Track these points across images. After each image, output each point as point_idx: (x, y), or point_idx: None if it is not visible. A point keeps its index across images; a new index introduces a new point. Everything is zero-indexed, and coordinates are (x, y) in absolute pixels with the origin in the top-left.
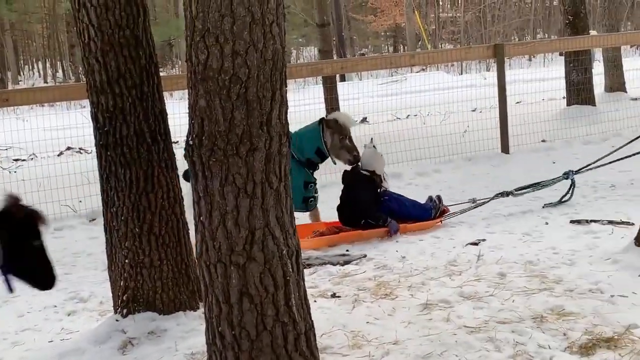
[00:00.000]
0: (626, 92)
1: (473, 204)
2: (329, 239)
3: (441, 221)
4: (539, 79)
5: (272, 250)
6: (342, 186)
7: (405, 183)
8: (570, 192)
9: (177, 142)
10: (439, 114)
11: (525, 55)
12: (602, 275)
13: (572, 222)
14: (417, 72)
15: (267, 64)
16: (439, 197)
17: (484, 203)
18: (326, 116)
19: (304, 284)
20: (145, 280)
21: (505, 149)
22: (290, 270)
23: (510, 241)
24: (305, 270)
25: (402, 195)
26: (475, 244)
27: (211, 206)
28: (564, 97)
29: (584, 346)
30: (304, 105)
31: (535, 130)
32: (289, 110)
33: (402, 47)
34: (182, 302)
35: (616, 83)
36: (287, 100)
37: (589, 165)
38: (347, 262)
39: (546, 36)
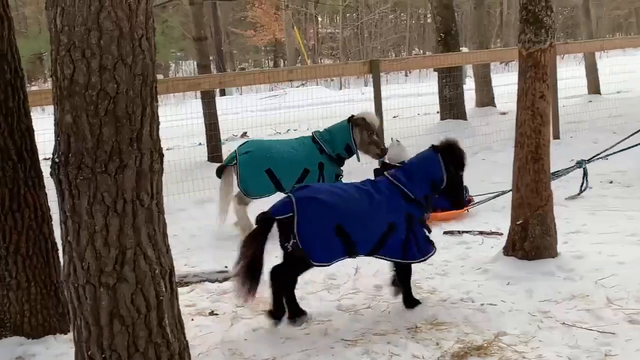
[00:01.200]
0: (495, 106)
1: (493, 195)
2: None
3: (467, 209)
4: (415, 94)
5: (144, 270)
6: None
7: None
8: (586, 180)
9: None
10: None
11: (400, 70)
12: (473, 285)
13: (445, 233)
14: (297, 86)
15: (137, 79)
16: (465, 187)
17: (504, 193)
18: (354, 115)
19: (178, 304)
20: (12, 303)
21: None
22: (164, 289)
23: None
24: (182, 288)
25: None
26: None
27: (79, 226)
28: (438, 112)
29: (455, 355)
30: (182, 120)
31: (411, 145)
32: (168, 126)
33: (282, 62)
34: (52, 325)
35: (486, 98)
36: (158, 116)
37: (599, 154)
38: (226, 279)
39: (421, 52)
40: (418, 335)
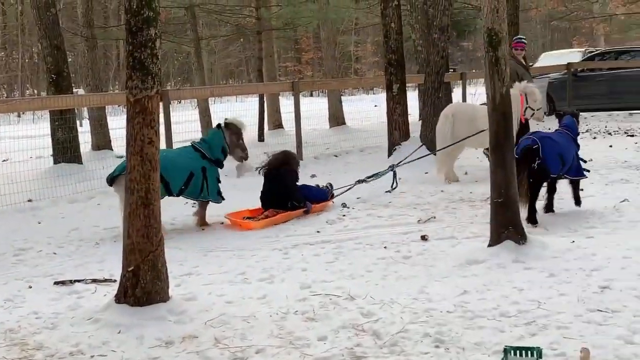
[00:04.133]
0: (112, 149)
1: (352, 185)
2: (273, 220)
3: (332, 202)
4: (28, 136)
5: None
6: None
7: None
8: (395, 180)
9: None
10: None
11: (8, 112)
12: (84, 336)
13: (56, 283)
14: None
15: None
16: (330, 185)
17: (349, 188)
18: (224, 120)
19: None
20: None
21: None
22: None
23: None
24: None
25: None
26: None
27: None
28: (51, 155)
29: None
30: None
31: (21, 190)
32: None
33: None
34: None
35: (102, 141)
36: None
37: (406, 158)
38: None
39: (35, 92)
40: None
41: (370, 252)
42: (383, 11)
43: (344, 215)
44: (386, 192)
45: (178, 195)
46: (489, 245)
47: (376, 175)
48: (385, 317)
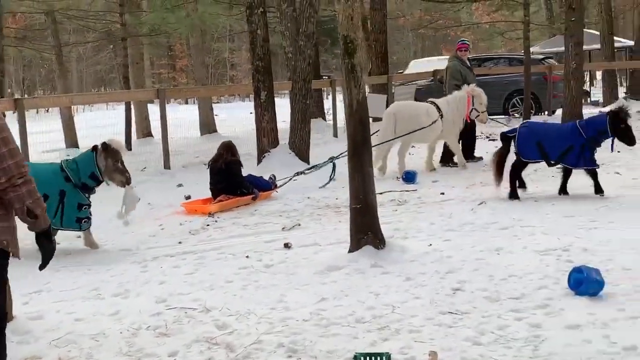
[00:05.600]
0: None
1: (292, 176)
2: (226, 203)
3: (277, 191)
4: None
5: None
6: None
7: None
8: (333, 172)
9: None
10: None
11: None
12: None
13: None
14: None
15: None
16: (274, 176)
17: (289, 180)
18: (103, 142)
19: None
20: None
21: None
22: None
23: None
24: None
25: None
26: None
27: None
28: None
29: None
30: None
31: None
32: None
33: None
34: None
35: None
36: None
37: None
38: None
39: None
40: None
41: (233, 262)
42: (249, 18)
43: (208, 225)
44: (320, 187)
45: None
46: (350, 251)
47: (315, 167)
48: (240, 328)
